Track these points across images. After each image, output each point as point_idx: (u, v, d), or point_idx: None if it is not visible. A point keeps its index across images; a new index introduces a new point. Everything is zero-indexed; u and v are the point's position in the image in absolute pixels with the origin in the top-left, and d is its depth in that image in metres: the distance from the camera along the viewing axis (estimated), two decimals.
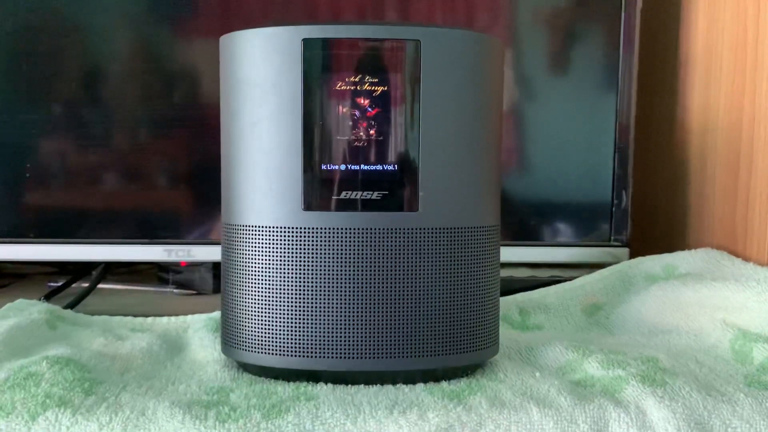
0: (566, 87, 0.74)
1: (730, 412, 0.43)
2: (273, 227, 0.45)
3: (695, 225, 0.74)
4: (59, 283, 0.74)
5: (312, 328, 0.44)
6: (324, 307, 0.44)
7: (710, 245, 0.68)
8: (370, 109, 0.45)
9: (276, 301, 0.45)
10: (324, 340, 0.44)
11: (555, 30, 0.73)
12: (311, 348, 0.44)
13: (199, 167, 0.71)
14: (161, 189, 0.72)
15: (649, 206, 0.81)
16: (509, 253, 0.70)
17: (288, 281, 0.45)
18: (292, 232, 0.45)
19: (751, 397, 0.44)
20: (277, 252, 0.45)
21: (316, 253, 0.44)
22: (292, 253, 0.44)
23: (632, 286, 0.64)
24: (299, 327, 0.45)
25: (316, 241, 0.44)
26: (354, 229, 0.44)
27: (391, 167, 0.45)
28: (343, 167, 0.45)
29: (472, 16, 0.73)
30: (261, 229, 0.45)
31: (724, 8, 0.70)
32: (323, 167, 0.45)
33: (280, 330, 0.45)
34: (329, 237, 0.44)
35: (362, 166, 0.45)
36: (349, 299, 0.44)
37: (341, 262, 0.44)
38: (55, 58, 0.70)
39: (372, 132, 0.45)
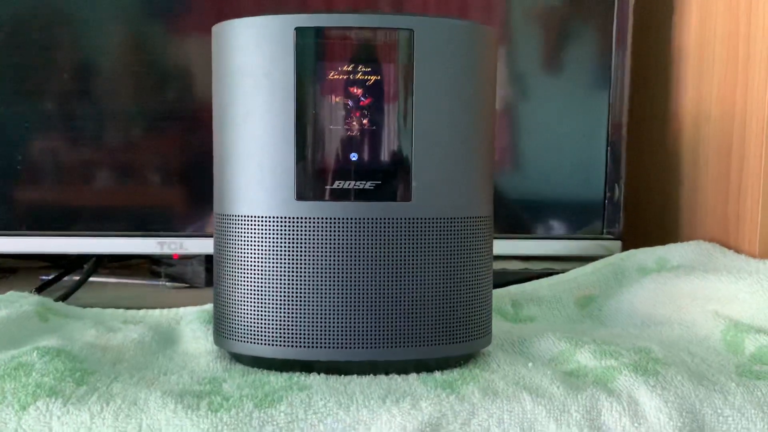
0: (559, 82, 0.74)
1: (721, 401, 0.43)
2: (265, 217, 0.45)
3: (687, 217, 0.74)
4: (51, 277, 0.74)
5: (305, 318, 0.44)
6: (317, 297, 0.44)
7: (702, 237, 0.69)
8: (363, 99, 0.44)
9: (268, 291, 0.45)
10: (317, 330, 0.44)
11: (548, 26, 0.73)
12: (304, 338, 0.44)
13: (191, 160, 0.71)
14: (153, 182, 0.71)
15: (641, 199, 0.81)
16: (503, 246, 0.70)
17: (280, 271, 0.44)
18: (285, 221, 0.44)
19: (743, 387, 0.44)
20: (269, 242, 0.45)
21: (309, 243, 0.44)
22: (285, 242, 0.44)
23: (625, 278, 0.64)
24: (292, 317, 0.44)
25: (309, 230, 0.44)
26: (347, 218, 0.44)
27: (384, 157, 0.45)
28: (335, 157, 0.45)
29: (465, 13, 0.73)
30: (253, 219, 0.45)
31: (717, 1, 0.70)
32: (316, 157, 0.45)
33: (272, 320, 0.45)
34: (322, 227, 0.44)
35: (355, 155, 0.45)
36: (342, 289, 0.44)
37: (334, 251, 0.44)
38: (47, 51, 0.69)
39: (365, 121, 0.45)
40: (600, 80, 0.73)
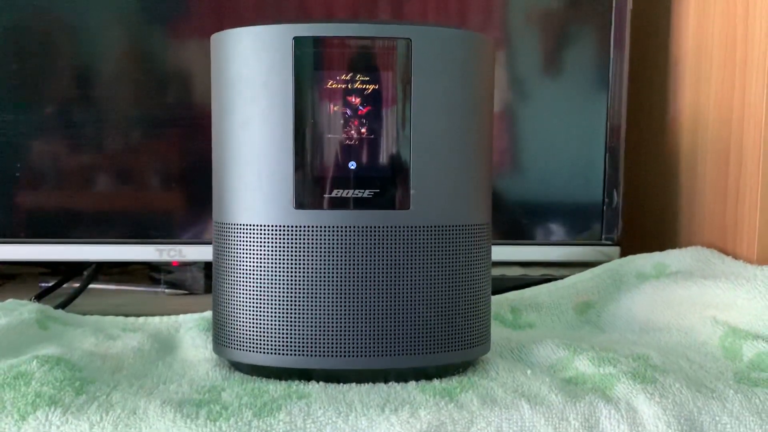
0: (558, 87, 0.74)
1: (719, 409, 0.43)
2: (264, 225, 0.45)
3: (686, 223, 0.74)
4: (51, 284, 0.74)
5: (303, 326, 0.44)
6: (315, 306, 0.44)
7: (701, 243, 0.69)
8: (361, 108, 0.45)
9: (267, 299, 0.45)
10: (316, 339, 0.44)
11: (546, 30, 0.73)
12: (303, 346, 0.44)
13: (190, 167, 0.71)
14: (153, 189, 0.71)
15: (640, 205, 0.81)
16: (501, 252, 0.70)
17: (279, 280, 0.45)
18: (284, 230, 0.44)
19: (741, 394, 0.44)
20: (268, 250, 0.45)
21: (308, 252, 0.44)
22: (284, 251, 0.44)
23: (623, 284, 0.64)
24: (291, 325, 0.44)
25: (308, 239, 0.44)
26: (345, 227, 0.44)
27: (382, 165, 0.45)
28: (334, 165, 0.45)
29: (464, 17, 0.73)
30: (252, 227, 0.45)
31: (714, 6, 0.70)
32: (314, 165, 0.45)
33: (271, 328, 0.45)
34: (320, 235, 0.44)
35: (353, 164, 0.45)
36: (341, 297, 0.44)
37: (332, 260, 0.44)
38: (45, 57, 0.69)
39: (363, 130, 0.45)
40: (598, 85, 0.73)
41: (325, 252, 0.44)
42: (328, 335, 0.44)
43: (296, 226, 0.44)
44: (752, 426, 0.42)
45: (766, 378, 0.46)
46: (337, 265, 0.44)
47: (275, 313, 0.45)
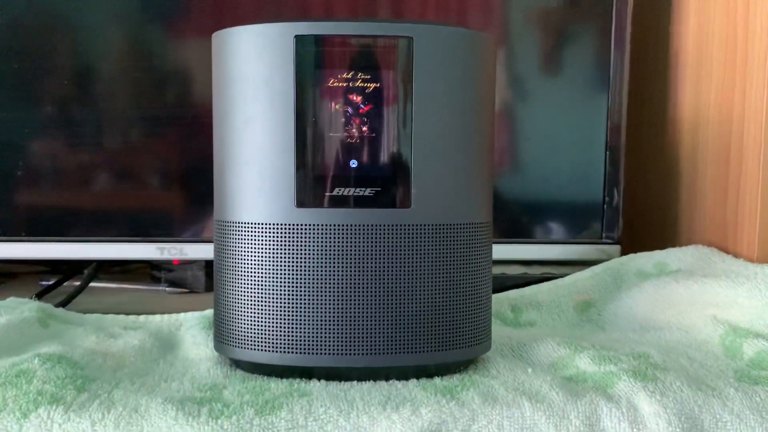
0: (558, 86, 0.74)
1: (720, 407, 0.43)
2: (266, 224, 0.45)
3: (686, 222, 0.74)
4: (51, 282, 0.74)
5: (305, 324, 0.44)
6: (317, 304, 0.44)
7: (701, 242, 0.69)
8: (362, 106, 0.45)
9: (269, 297, 0.45)
10: (317, 337, 0.44)
11: (546, 29, 0.73)
12: (304, 344, 0.44)
13: (191, 165, 0.71)
14: (153, 187, 0.71)
15: (640, 204, 0.81)
16: (502, 251, 0.70)
17: (281, 278, 0.45)
18: (285, 228, 0.45)
19: (741, 392, 0.44)
20: (269, 249, 0.45)
21: (309, 250, 0.44)
22: (285, 249, 0.44)
23: (624, 283, 0.64)
24: (292, 323, 0.45)
25: (309, 237, 0.44)
26: (347, 225, 0.44)
27: (383, 164, 0.45)
28: (335, 164, 0.45)
29: (464, 16, 0.73)
30: (254, 225, 0.45)
31: (715, 5, 0.70)
32: (316, 164, 0.45)
33: (273, 326, 0.45)
34: (322, 233, 0.44)
35: (355, 162, 0.45)
36: (342, 295, 0.44)
37: (334, 258, 0.44)
38: (45, 56, 0.70)
39: (364, 128, 0.45)
40: (599, 84, 0.73)
41: (326, 250, 0.44)
42: (330, 333, 0.44)
43: (297, 225, 0.44)
44: (753, 424, 0.42)
45: (766, 376, 0.47)
46: (339, 263, 0.44)
47: (276, 311, 0.45)
